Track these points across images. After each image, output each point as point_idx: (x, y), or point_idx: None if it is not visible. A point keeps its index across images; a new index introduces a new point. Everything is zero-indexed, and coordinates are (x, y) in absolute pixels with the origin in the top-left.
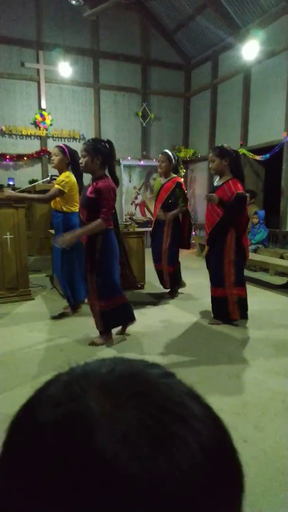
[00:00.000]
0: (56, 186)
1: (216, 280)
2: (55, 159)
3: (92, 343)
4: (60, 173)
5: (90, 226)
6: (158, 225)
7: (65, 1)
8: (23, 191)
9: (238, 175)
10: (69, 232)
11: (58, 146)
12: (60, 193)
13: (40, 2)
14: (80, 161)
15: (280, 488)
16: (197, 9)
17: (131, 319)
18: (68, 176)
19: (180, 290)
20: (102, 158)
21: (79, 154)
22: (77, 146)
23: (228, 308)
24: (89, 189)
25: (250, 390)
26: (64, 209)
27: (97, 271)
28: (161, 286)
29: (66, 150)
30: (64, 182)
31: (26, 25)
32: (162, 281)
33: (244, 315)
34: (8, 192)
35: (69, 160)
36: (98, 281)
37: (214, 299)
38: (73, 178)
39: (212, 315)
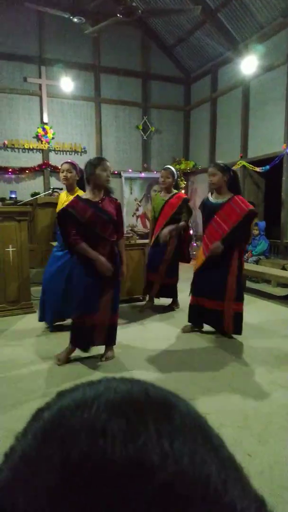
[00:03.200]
0: None
1: (216, 294)
2: (69, 175)
3: (103, 358)
4: (70, 189)
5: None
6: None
7: (67, 19)
8: (25, 203)
9: (236, 193)
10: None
11: (69, 163)
12: None
13: (42, 20)
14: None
15: (286, 505)
16: (196, 25)
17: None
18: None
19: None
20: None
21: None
22: (79, 159)
23: (223, 322)
24: (109, 205)
25: (253, 403)
26: None
27: (115, 284)
28: (161, 299)
29: (77, 167)
30: None
31: (29, 42)
32: (148, 291)
33: (238, 330)
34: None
35: (79, 177)
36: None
37: (205, 310)
38: None
39: (188, 321)
